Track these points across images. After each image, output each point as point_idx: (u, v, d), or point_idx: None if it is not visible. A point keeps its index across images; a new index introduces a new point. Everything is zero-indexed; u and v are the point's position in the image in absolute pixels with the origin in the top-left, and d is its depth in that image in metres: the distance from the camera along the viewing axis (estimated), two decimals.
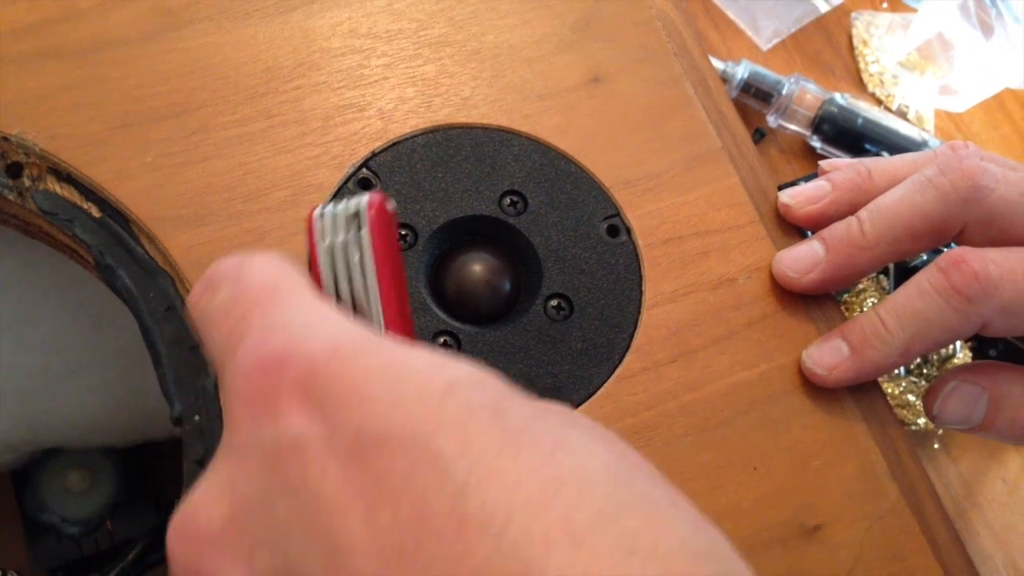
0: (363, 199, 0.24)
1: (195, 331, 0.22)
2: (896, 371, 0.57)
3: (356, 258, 0.24)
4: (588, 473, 0.17)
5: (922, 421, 0.54)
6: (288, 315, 0.20)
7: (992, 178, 0.32)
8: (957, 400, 0.33)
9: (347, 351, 0.18)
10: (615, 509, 0.16)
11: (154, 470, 0.49)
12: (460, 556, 0.16)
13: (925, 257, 0.51)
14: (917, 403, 0.54)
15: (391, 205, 0.25)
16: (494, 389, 0.18)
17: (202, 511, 0.19)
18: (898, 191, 0.33)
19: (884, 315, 0.32)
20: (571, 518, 0.16)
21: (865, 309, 0.59)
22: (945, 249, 0.42)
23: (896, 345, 0.32)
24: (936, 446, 0.54)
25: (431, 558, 0.16)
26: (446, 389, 0.18)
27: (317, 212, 0.25)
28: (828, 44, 0.63)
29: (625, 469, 0.18)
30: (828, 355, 0.33)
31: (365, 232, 0.24)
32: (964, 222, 0.32)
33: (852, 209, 0.34)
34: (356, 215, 0.24)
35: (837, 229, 0.34)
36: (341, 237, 0.25)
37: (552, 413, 0.19)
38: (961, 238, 0.33)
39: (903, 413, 0.54)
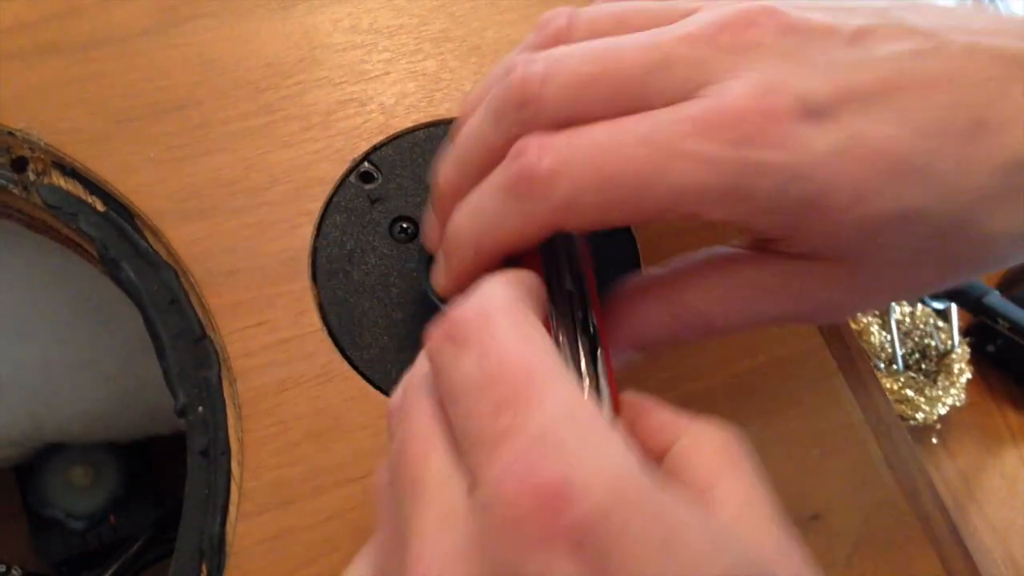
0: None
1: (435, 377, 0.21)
2: (895, 366, 0.57)
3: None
4: None
5: (920, 416, 0.54)
6: (558, 424, 0.18)
7: (536, 81, 0.26)
8: None
9: (629, 501, 0.17)
10: None
11: (156, 466, 0.49)
12: None
13: None
14: (916, 398, 0.55)
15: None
16: None
17: None
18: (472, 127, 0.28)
19: (459, 216, 0.27)
20: None
21: (873, 331, 0.59)
22: None
23: (466, 244, 0.27)
24: (935, 441, 0.54)
25: None
26: None
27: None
28: None
29: None
30: (439, 279, 0.29)
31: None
32: (528, 129, 0.26)
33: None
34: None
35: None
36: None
37: None
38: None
39: (902, 408, 0.54)
